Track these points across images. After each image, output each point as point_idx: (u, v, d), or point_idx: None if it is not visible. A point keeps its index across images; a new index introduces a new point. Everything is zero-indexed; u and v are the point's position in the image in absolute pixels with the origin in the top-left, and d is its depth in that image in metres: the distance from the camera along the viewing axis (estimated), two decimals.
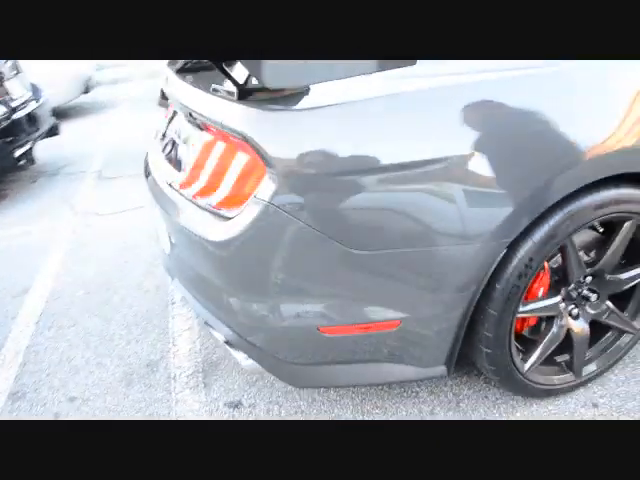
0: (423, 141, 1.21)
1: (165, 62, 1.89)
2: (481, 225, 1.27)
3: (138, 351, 2.10)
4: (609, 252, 1.47)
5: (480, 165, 1.21)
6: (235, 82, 1.22)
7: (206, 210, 1.35)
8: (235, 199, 1.28)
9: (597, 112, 1.28)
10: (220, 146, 1.34)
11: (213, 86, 1.34)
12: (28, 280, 2.71)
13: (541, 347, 1.54)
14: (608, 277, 1.52)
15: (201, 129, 1.46)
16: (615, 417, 1.57)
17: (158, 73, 2.20)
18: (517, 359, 1.51)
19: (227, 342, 1.52)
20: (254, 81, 1.23)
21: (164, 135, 1.86)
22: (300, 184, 1.20)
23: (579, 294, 1.54)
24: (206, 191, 1.37)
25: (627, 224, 1.44)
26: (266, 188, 1.20)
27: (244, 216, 1.23)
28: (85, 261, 2.85)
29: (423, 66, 1.19)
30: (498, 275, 1.35)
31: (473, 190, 1.24)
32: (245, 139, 1.20)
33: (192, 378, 1.92)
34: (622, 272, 1.54)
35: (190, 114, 1.45)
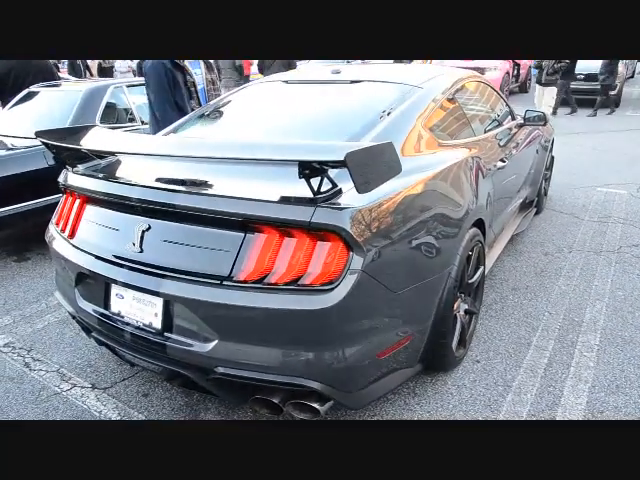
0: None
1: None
2: (444, 258, 2.15)
3: None
4: (471, 265, 2.54)
5: (443, 221, 2.10)
6: (313, 191, 1.70)
7: (296, 289, 1.73)
8: (326, 275, 1.73)
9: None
10: (291, 241, 1.76)
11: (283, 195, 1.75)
12: None
13: (456, 333, 2.47)
14: (468, 282, 2.58)
15: (246, 230, 1.80)
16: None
17: None
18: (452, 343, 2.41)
19: (304, 398, 1.86)
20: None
21: (142, 249, 1.98)
22: (372, 254, 1.79)
23: (461, 295, 2.55)
24: (290, 276, 1.74)
25: (474, 248, 2.54)
26: (357, 261, 1.74)
27: (345, 283, 1.71)
28: None
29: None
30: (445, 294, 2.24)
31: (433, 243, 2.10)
32: (334, 231, 1.70)
33: None
34: (470, 278, 2.63)
35: (243, 220, 1.77)
